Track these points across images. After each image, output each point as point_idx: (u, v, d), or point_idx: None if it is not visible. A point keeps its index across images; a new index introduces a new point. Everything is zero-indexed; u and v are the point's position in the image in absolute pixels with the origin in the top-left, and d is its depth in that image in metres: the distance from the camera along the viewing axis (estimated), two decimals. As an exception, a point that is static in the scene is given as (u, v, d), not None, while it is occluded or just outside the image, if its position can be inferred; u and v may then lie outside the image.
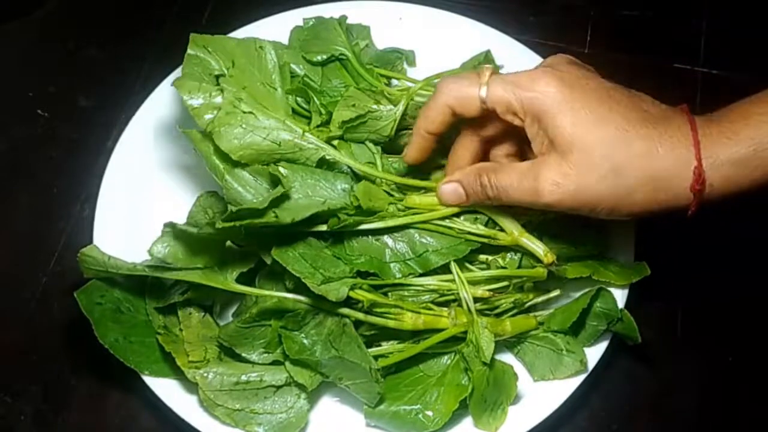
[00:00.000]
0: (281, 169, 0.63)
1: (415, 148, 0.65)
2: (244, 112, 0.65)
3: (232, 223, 0.58)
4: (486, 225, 0.65)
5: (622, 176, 0.55)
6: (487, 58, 0.79)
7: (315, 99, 0.71)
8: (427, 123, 0.63)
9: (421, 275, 0.64)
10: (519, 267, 0.66)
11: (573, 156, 0.56)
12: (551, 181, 0.57)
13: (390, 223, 0.64)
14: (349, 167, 0.66)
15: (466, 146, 0.65)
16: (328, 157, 0.66)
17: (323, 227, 0.62)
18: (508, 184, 0.59)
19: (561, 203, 0.57)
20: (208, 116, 0.65)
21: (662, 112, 0.57)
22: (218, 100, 0.66)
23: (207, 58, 0.68)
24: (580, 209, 0.57)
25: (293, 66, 0.74)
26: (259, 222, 0.59)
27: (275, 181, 0.63)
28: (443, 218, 0.64)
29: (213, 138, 0.64)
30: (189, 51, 0.68)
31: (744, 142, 0.54)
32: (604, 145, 0.55)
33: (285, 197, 0.62)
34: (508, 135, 0.64)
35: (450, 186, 0.63)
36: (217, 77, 0.67)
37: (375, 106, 0.68)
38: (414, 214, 0.64)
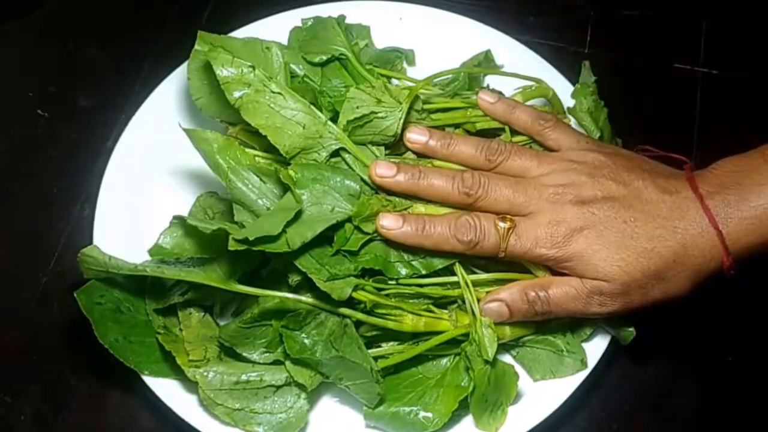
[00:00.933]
0: (291, 172, 0.63)
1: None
2: (273, 92, 0.66)
3: (244, 246, 0.58)
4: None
5: (666, 282, 0.61)
6: (486, 57, 0.79)
7: (320, 98, 0.71)
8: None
9: (424, 276, 0.64)
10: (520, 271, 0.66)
11: (611, 287, 0.60)
12: (597, 302, 0.61)
13: None
14: (354, 170, 0.66)
15: None
16: (343, 149, 0.66)
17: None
18: (561, 299, 0.62)
19: (607, 315, 0.63)
20: (237, 93, 0.66)
21: (671, 202, 0.61)
22: (251, 76, 0.66)
23: (214, 54, 0.68)
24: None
25: (293, 66, 0.74)
26: (273, 249, 0.59)
27: (285, 187, 0.63)
28: None
29: (241, 113, 0.65)
30: (196, 47, 0.68)
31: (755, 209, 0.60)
32: (637, 273, 0.60)
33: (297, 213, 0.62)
34: None
35: (494, 305, 0.63)
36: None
37: (378, 108, 0.67)
38: None
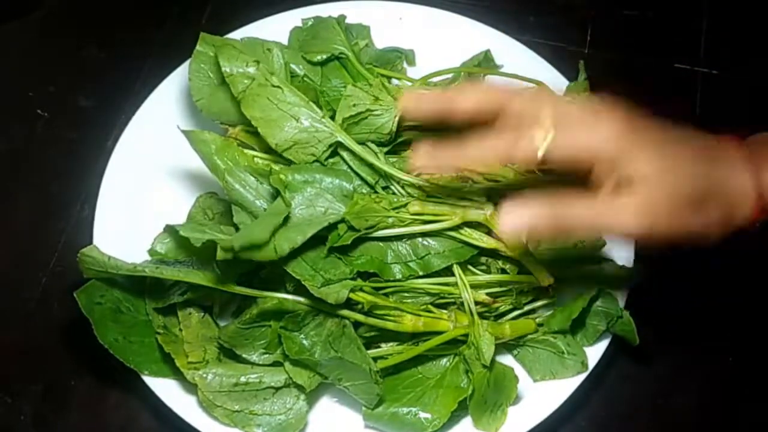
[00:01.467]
0: (282, 176, 0.63)
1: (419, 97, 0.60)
2: (273, 86, 0.66)
3: (230, 255, 0.57)
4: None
5: (704, 209, 0.56)
6: (486, 57, 0.79)
7: (320, 97, 0.71)
8: (464, 103, 0.57)
9: (422, 277, 0.64)
10: (520, 272, 0.66)
11: (650, 193, 0.54)
12: (632, 212, 0.55)
13: (390, 233, 0.64)
14: (351, 168, 0.66)
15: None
16: (341, 146, 0.66)
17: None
18: (584, 216, 0.55)
19: (639, 235, 0.57)
20: (241, 86, 0.66)
21: (712, 140, 0.58)
22: (255, 70, 0.66)
23: (214, 54, 0.68)
24: (659, 241, 0.56)
25: (293, 66, 0.74)
26: (261, 257, 0.58)
27: (275, 194, 0.63)
28: (448, 229, 0.64)
29: (241, 105, 0.65)
30: (198, 48, 0.68)
31: None
32: (682, 182, 0.55)
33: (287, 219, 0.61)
34: None
35: (513, 216, 0.56)
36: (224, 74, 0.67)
37: (374, 106, 0.67)
38: (418, 222, 0.64)
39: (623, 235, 0.58)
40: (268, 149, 0.66)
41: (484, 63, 0.79)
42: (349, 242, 0.62)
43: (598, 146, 0.55)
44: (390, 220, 0.63)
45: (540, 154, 0.54)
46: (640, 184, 0.54)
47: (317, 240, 0.62)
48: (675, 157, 0.55)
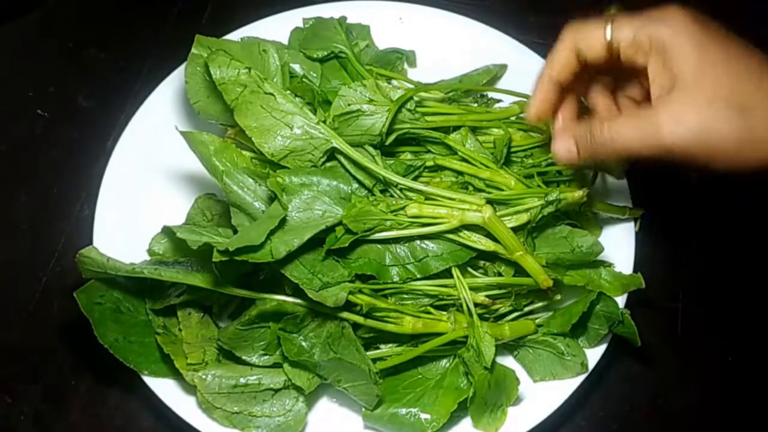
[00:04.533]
0: (279, 179, 0.62)
1: (539, 99, 0.62)
2: (266, 93, 0.66)
3: (227, 257, 0.57)
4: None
5: (750, 117, 0.53)
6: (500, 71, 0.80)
7: (318, 96, 0.71)
8: (552, 69, 0.61)
9: (420, 279, 0.64)
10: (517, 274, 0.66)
11: (698, 93, 0.53)
12: (674, 119, 0.53)
13: (388, 236, 0.63)
14: (348, 171, 0.66)
15: (576, 99, 0.64)
16: (337, 150, 0.66)
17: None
18: (624, 129, 0.55)
19: (682, 143, 0.53)
20: (234, 94, 0.66)
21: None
22: (247, 77, 0.66)
23: (207, 61, 0.68)
24: (701, 153, 0.54)
25: (293, 66, 0.74)
26: (256, 259, 0.58)
27: (273, 196, 0.62)
28: (446, 232, 0.63)
29: (234, 114, 0.65)
30: (193, 50, 0.68)
31: None
32: (731, 84, 0.53)
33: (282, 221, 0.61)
34: (629, 82, 0.64)
35: (563, 144, 0.60)
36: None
37: (366, 106, 0.67)
38: (416, 225, 0.64)
39: (665, 144, 0.54)
40: (271, 164, 0.66)
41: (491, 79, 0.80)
42: (347, 245, 0.62)
43: (658, 32, 0.55)
44: (388, 223, 0.63)
45: (607, 35, 0.57)
46: (694, 81, 0.53)
47: (315, 243, 0.62)
48: (729, 61, 0.53)
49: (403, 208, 0.63)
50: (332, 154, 0.66)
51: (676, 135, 0.53)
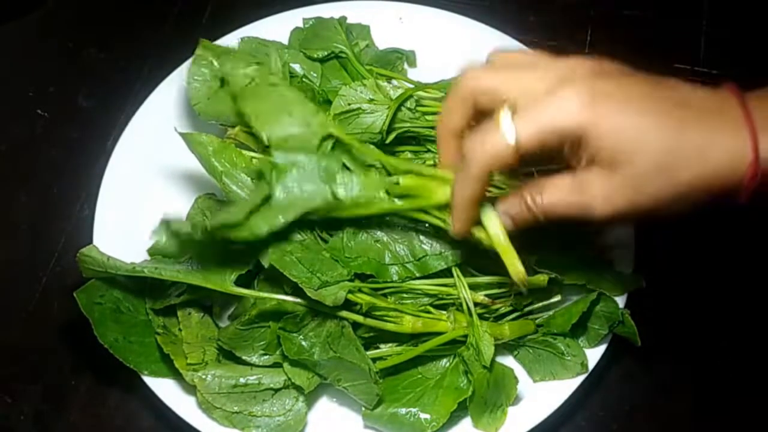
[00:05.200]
0: (270, 158, 0.61)
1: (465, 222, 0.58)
2: (271, 84, 0.65)
3: (211, 235, 0.57)
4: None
5: (676, 179, 0.51)
6: None
7: (319, 96, 0.71)
8: (475, 186, 0.56)
9: (420, 278, 0.64)
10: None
11: (620, 169, 0.51)
12: (601, 196, 0.52)
13: (377, 209, 0.61)
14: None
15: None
16: (332, 133, 0.65)
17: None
18: (556, 201, 0.54)
19: (615, 214, 0.52)
20: (241, 83, 0.65)
21: (709, 102, 0.52)
22: (251, 71, 0.65)
23: (214, 60, 0.68)
24: (636, 216, 0.53)
25: (293, 66, 0.74)
26: (237, 235, 0.57)
27: (260, 175, 0.61)
28: (435, 206, 0.61)
29: (238, 101, 0.64)
30: (198, 52, 0.68)
31: None
32: (652, 153, 0.51)
33: (266, 199, 0.60)
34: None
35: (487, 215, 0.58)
36: (222, 79, 0.67)
37: (366, 105, 0.67)
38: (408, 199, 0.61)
39: (600, 217, 0.53)
40: (265, 149, 0.66)
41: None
42: (341, 212, 0.60)
43: (563, 124, 0.51)
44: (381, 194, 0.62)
45: (511, 139, 0.52)
46: (610, 160, 0.51)
47: (315, 242, 0.62)
48: (649, 118, 0.51)
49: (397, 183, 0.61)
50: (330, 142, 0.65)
51: (607, 210, 0.52)
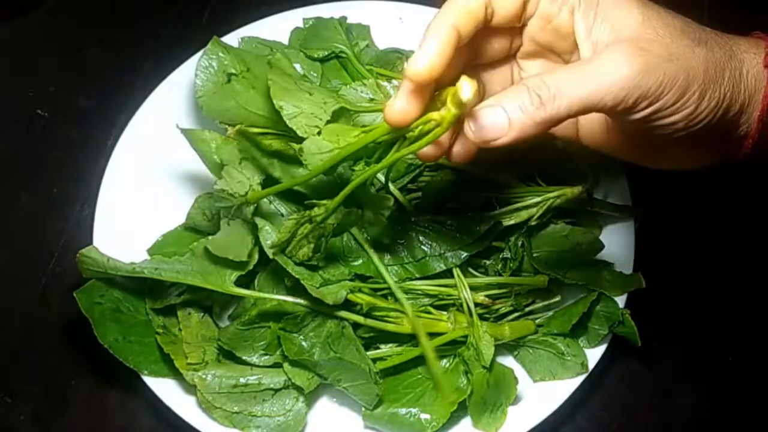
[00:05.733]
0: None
1: (436, 50, 0.45)
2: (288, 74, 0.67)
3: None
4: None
5: (707, 48, 0.48)
6: None
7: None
8: (455, 16, 0.46)
9: (420, 278, 0.64)
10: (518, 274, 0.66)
11: (640, 42, 0.46)
12: (622, 61, 0.45)
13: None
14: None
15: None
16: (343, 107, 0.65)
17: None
18: (566, 80, 0.45)
19: (650, 74, 0.45)
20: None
21: (730, 37, 0.51)
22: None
23: (225, 56, 0.68)
24: (650, 93, 0.46)
25: (293, 65, 0.74)
26: None
27: None
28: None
29: (270, 70, 0.65)
30: (210, 46, 0.69)
31: None
32: (680, 25, 0.48)
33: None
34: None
35: (492, 116, 0.45)
36: (229, 75, 0.68)
37: (368, 105, 0.68)
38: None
39: (604, 97, 0.45)
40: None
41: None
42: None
43: None
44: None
45: None
46: (625, 38, 0.47)
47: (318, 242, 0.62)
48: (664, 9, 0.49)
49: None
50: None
51: (629, 71, 0.45)
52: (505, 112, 0.45)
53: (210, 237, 0.61)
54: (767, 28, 0.54)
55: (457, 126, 0.47)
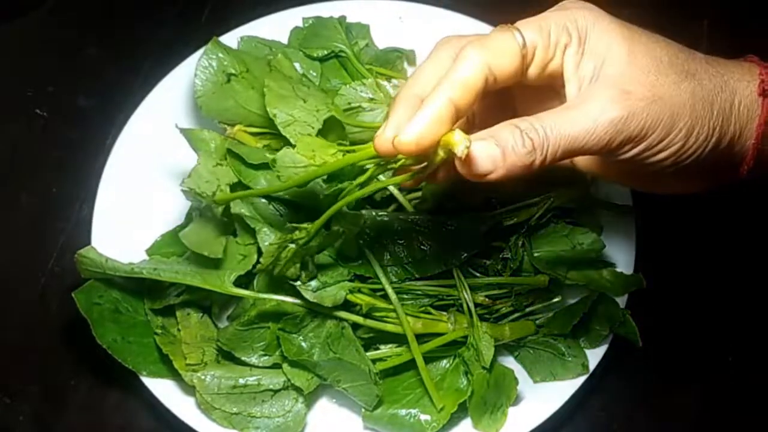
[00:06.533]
0: None
1: (432, 120, 0.45)
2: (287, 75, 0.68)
3: None
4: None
5: (695, 82, 0.48)
6: None
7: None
8: (454, 91, 0.46)
9: (420, 279, 0.64)
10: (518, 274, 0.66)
11: (624, 83, 0.46)
12: (606, 106, 0.46)
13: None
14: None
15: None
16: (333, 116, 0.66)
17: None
18: (553, 125, 0.46)
19: (632, 118, 0.46)
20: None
21: (723, 61, 0.52)
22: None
23: (224, 57, 0.68)
24: (634, 136, 0.47)
25: (293, 64, 0.74)
26: None
27: None
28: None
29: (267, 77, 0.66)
30: (209, 46, 0.69)
31: None
32: (666, 55, 0.48)
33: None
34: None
35: (482, 146, 0.45)
36: (229, 75, 0.68)
37: (367, 104, 0.68)
38: None
39: (598, 135, 0.46)
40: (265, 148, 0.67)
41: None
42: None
43: (578, 24, 0.48)
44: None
45: (518, 41, 0.47)
46: (618, 71, 0.47)
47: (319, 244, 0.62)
48: (651, 37, 0.49)
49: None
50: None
51: (624, 110, 0.46)
52: (499, 150, 0.46)
53: (183, 231, 0.61)
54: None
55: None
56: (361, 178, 0.51)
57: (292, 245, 0.57)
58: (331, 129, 0.65)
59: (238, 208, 0.62)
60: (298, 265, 0.60)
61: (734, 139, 0.50)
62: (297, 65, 0.75)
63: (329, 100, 0.66)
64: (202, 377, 0.62)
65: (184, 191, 0.60)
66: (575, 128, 0.46)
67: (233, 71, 0.68)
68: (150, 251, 0.68)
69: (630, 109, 0.46)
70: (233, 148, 0.63)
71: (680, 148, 0.48)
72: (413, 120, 0.45)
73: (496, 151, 0.46)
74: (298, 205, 0.62)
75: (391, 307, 0.62)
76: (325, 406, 0.66)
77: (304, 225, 0.56)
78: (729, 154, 0.51)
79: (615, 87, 0.47)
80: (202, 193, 0.59)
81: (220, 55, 0.69)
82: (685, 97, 0.48)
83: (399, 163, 0.48)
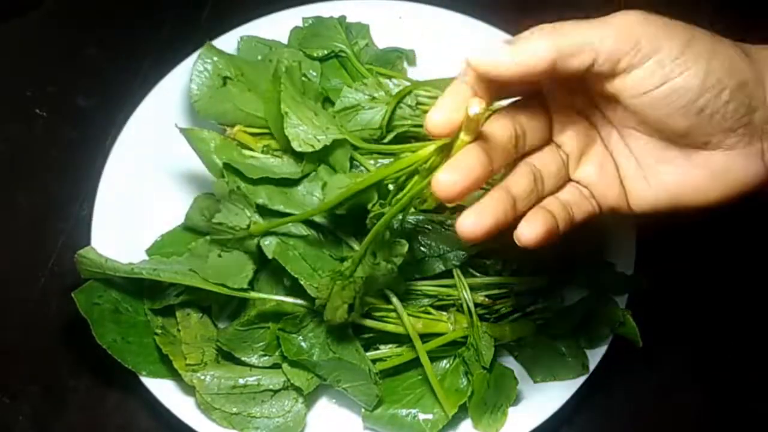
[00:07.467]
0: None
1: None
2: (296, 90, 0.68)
3: None
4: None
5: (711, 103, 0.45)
6: None
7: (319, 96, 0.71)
8: (528, 65, 0.44)
9: (420, 279, 0.63)
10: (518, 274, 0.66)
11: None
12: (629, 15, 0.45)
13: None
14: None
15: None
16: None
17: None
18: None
19: (651, 22, 0.46)
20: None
21: (753, 48, 0.49)
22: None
23: (219, 60, 0.68)
24: (648, 42, 0.45)
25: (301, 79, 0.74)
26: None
27: None
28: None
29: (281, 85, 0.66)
30: (204, 50, 0.69)
31: None
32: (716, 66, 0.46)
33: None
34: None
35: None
36: (225, 78, 0.68)
37: (367, 104, 0.68)
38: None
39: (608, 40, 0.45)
40: (264, 149, 0.66)
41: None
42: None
43: (602, 38, 0.45)
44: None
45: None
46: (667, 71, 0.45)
47: (318, 239, 0.61)
48: (708, 49, 0.46)
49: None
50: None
51: (644, 17, 0.46)
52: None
53: (203, 267, 0.61)
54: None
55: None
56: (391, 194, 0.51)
57: (341, 278, 0.56)
58: (336, 150, 0.65)
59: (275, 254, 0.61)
60: (345, 307, 0.58)
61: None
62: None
63: (338, 124, 0.66)
64: (202, 377, 0.62)
65: (215, 229, 0.60)
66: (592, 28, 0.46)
67: (228, 74, 0.68)
68: (150, 251, 0.68)
69: (649, 16, 0.46)
70: (230, 162, 0.62)
71: (705, 67, 0.46)
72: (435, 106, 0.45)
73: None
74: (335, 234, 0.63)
75: (391, 307, 0.62)
76: (325, 406, 0.66)
77: (350, 253, 0.56)
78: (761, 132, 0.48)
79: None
80: (235, 227, 0.59)
81: (215, 58, 0.69)
82: (722, 47, 0.46)
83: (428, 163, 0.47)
